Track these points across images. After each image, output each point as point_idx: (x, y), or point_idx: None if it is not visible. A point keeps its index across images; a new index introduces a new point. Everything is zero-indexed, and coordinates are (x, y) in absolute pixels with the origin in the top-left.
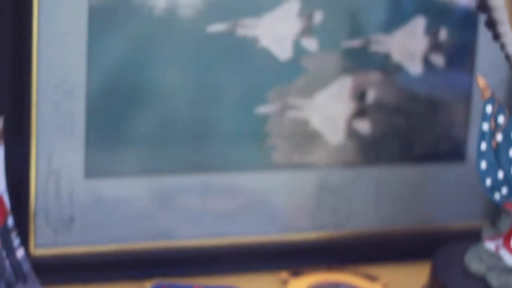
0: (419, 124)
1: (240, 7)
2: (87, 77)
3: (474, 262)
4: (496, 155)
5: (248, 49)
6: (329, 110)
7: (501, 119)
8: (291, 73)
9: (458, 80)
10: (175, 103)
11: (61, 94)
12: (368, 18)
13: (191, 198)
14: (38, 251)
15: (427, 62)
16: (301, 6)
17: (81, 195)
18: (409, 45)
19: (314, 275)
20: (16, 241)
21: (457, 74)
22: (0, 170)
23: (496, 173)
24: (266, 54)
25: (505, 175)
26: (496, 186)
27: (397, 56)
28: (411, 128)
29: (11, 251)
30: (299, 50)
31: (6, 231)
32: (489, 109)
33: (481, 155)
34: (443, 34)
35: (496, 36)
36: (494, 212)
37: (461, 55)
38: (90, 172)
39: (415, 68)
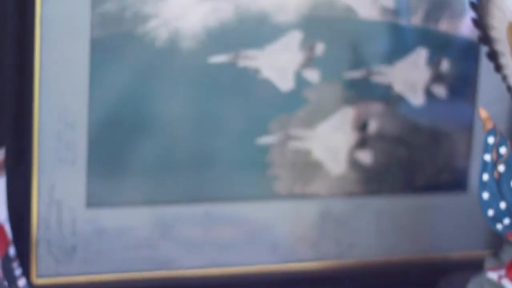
0: (421, 154)
1: (242, 38)
2: (89, 107)
3: None
4: (498, 186)
5: (250, 80)
6: (331, 141)
7: (503, 150)
8: (293, 104)
9: (460, 111)
10: (177, 134)
11: (62, 125)
12: (369, 49)
13: (193, 228)
14: (39, 281)
15: (429, 93)
16: (303, 38)
17: (83, 224)
18: (411, 76)
19: None
20: (17, 271)
21: (459, 105)
22: (1, 199)
23: (498, 204)
24: (268, 85)
25: (507, 206)
26: (498, 216)
27: (399, 87)
28: (413, 159)
29: (12, 281)
30: (300, 81)
31: (7, 260)
32: (491, 140)
33: (483, 186)
34: (444, 65)
35: (498, 68)
36: (497, 242)
37: (462, 86)
38: (92, 202)
39: (416, 99)
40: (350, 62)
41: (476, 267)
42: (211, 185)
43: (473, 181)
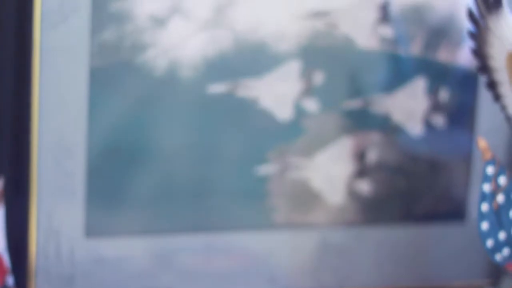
0: (419, 184)
1: (241, 68)
2: (88, 137)
3: None
4: (497, 216)
5: (249, 109)
6: (329, 170)
7: (502, 180)
8: (292, 133)
9: (459, 141)
10: (176, 163)
11: (61, 154)
12: (368, 79)
13: (192, 258)
14: None
15: (427, 123)
16: (301, 67)
17: (82, 254)
18: (409, 106)
19: None
20: None
21: (458, 135)
22: (0, 229)
23: (497, 234)
24: (266, 115)
25: (507, 236)
26: (498, 247)
27: (397, 117)
28: (412, 188)
29: None
30: (299, 111)
31: None
32: (489, 170)
33: (482, 216)
34: (443, 95)
35: (497, 98)
36: (496, 272)
37: (461, 116)
38: (91, 231)
39: (415, 128)
40: (348, 92)
41: None
42: (210, 215)
43: (472, 211)
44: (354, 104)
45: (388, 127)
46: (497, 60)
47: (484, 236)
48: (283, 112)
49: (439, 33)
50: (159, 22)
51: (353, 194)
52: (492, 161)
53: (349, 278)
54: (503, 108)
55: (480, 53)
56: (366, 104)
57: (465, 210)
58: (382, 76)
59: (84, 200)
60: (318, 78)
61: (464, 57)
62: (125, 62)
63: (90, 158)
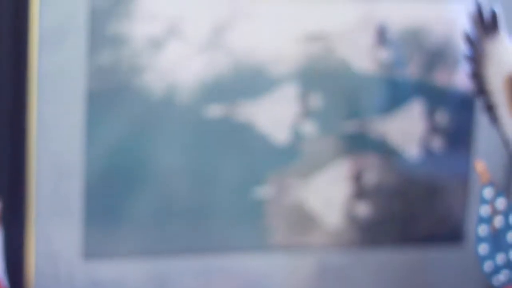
0: (417, 207)
1: (238, 91)
2: (85, 159)
3: None
4: (496, 239)
5: (246, 132)
6: (327, 193)
7: (499, 203)
8: (289, 155)
9: (456, 163)
10: (173, 186)
11: (59, 177)
12: (365, 102)
13: (190, 279)
14: None
15: (424, 145)
16: (299, 90)
17: (80, 276)
18: (406, 129)
19: None
20: None
21: (455, 157)
22: None
23: (495, 257)
24: (263, 137)
25: (505, 259)
26: (496, 270)
27: (394, 139)
28: (409, 211)
29: None
30: (296, 133)
31: None
32: (487, 193)
33: (480, 239)
34: (440, 118)
35: (494, 120)
36: None
37: (459, 139)
38: (89, 253)
39: (412, 151)
40: (346, 115)
41: None
42: (208, 237)
43: (470, 234)
44: (351, 126)
45: (385, 150)
46: (494, 83)
47: (482, 259)
48: (281, 134)
49: (436, 56)
50: (157, 45)
51: (350, 217)
52: (490, 184)
53: None
54: (500, 131)
55: (476, 76)
56: (363, 126)
57: (463, 233)
58: (379, 99)
59: (82, 223)
60: (315, 101)
61: (461, 80)
62: (122, 84)
63: (88, 181)
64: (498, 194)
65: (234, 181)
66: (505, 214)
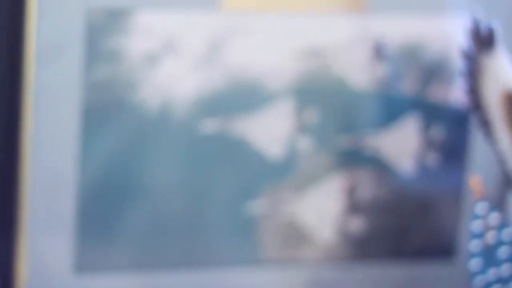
0: (410, 221)
1: (233, 106)
2: (79, 173)
3: None
4: (488, 255)
5: (241, 147)
6: (320, 208)
7: (492, 219)
8: (283, 170)
9: (450, 179)
10: (167, 200)
11: (52, 190)
12: (360, 117)
13: None
14: None
15: (419, 161)
16: (294, 106)
17: None
18: (401, 144)
19: None
20: None
21: (449, 173)
22: None
23: (487, 273)
24: (258, 152)
25: (497, 275)
26: (488, 285)
27: (389, 155)
28: (403, 226)
29: None
30: (291, 149)
31: None
32: (480, 208)
33: (472, 255)
34: (436, 133)
35: (489, 136)
36: None
37: (453, 154)
38: (81, 267)
39: (407, 166)
40: (341, 130)
41: None
42: (201, 251)
43: (462, 249)
44: (346, 142)
45: (379, 165)
46: (490, 99)
47: (474, 275)
48: (275, 149)
49: (432, 72)
50: (152, 60)
51: (344, 231)
52: (483, 199)
53: None
54: (495, 147)
55: (472, 92)
56: (358, 142)
57: (456, 248)
58: (374, 114)
59: (74, 236)
60: (311, 116)
61: (456, 95)
62: (117, 100)
63: (81, 195)
64: (491, 209)
65: (228, 195)
66: (498, 230)
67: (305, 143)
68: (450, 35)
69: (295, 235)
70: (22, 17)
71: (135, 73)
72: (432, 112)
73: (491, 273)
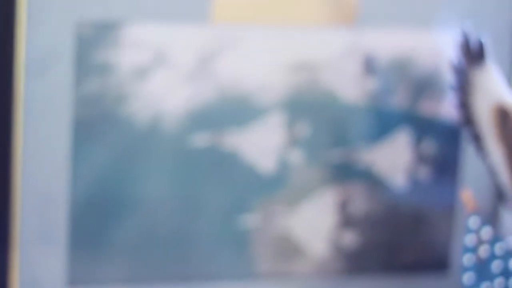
0: (403, 236)
1: (224, 120)
2: (70, 187)
3: None
4: (481, 269)
5: (231, 161)
6: (313, 222)
7: (485, 232)
8: (275, 185)
9: (442, 193)
10: (159, 214)
11: (44, 203)
12: (352, 131)
13: None
14: None
15: (411, 175)
16: (285, 119)
17: None
18: (393, 158)
19: None
20: None
21: (441, 187)
22: None
23: (480, 287)
24: (249, 166)
25: None
26: None
27: (381, 169)
28: (395, 240)
29: None
30: (282, 163)
31: None
32: (473, 222)
33: (465, 268)
34: (427, 147)
35: (480, 150)
36: None
37: (445, 168)
38: (73, 281)
39: (399, 180)
40: (332, 143)
41: None
42: (193, 265)
43: (455, 263)
44: (337, 156)
45: (371, 179)
46: (480, 113)
47: None
48: (267, 163)
49: (423, 86)
50: (143, 73)
51: (336, 245)
52: (476, 214)
53: None
54: (486, 161)
55: (463, 106)
56: (350, 156)
57: (449, 262)
58: (365, 128)
59: (66, 250)
60: (302, 130)
61: (447, 110)
62: (108, 113)
63: (73, 208)
64: (483, 223)
65: (219, 209)
66: (491, 244)
67: (296, 157)
68: (441, 49)
69: (288, 249)
70: (12, 30)
71: (125, 86)
72: (423, 126)
73: (484, 287)
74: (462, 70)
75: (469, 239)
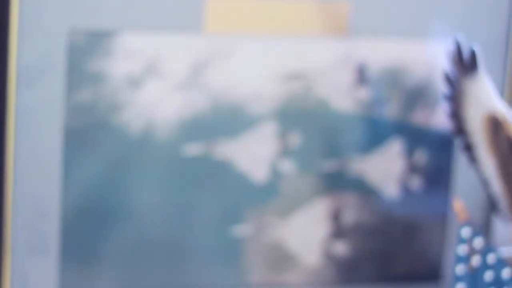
0: (395, 246)
1: (216, 129)
2: (62, 197)
3: None
4: (473, 279)
5: (224, 170)
6: (305, 232)
7: (477, 242)
8: (267, 194)
9: (435, 203)
10: (151, 224)
11: (35, 214)
12: (344, 141)
13: None
14: None
15: (403, 185)
16: (277, 129)
17: None
18: (385, 168)
19: None
20: None
21: (434, 197)
22: None
23: None
24: (242, 176)
25: None
26: None
27: (373, 179)
28: (388, 250)
29: None
30: (275, 172)
31: None
32: (465, 232)
33: (457, 278)
34: (419, 157)
35: (472, 160)
36: None
37: (437, 178)
38: None
39: (391, 190)
40: (324, 154)
41: None
42: (185, 275)
43: (447, 273)
44: (330, 165)
45: (364, 189)
46: (473, 123)
47: None
48: (259, 173)
49: (415, 96)
50: (135, 83)
51: (328, 256)
52: (468, 224)
53: None
54: (479, 171)
55: (455, 115)
56: (342, 165)
57: (441, 271)
58: (358, 138)
59: (58, 261)
60: (294, 139)
61: (440, 119)
62: (100, 122)
63: (65, 219)
64: (475, 233)
65: (212, 219)
66: (483, 254)
67: (288, 167)
68: (433, 59)
69: (280, 258)
70: (4, 39)
71: (118, 95)
72: (415, 136)
73: None
74: (455, 80)
75: (461, 249)
